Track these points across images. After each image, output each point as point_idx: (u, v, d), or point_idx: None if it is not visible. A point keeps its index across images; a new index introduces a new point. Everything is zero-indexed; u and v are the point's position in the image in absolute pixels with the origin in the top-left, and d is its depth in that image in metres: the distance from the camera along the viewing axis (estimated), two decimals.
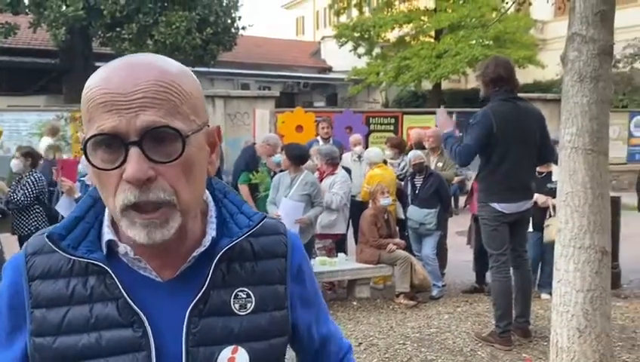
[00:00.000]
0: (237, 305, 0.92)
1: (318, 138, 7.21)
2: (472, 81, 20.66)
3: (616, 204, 5.83)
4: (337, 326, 1.17)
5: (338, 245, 6.12)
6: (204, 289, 0.89)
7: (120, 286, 0.87)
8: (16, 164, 5.51)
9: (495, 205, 4.07)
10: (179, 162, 0.81)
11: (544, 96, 14.05)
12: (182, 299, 0.89)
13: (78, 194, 4.63)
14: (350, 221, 6.44)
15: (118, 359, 0.86)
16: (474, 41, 17.10)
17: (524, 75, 17.34)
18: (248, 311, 0.93)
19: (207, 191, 0.97)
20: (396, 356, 3.99)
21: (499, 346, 4.05)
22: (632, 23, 16.53)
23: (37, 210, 5.48)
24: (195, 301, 0.89)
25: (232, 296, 0.92)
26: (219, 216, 0.96)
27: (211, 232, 0.93)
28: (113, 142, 0.79)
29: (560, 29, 22.13)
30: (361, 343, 4.24)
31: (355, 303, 5.54)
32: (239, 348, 0.91)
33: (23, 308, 0.89)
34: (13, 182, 5.56)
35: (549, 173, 5.44)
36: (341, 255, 5.88)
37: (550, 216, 5.26)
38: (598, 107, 3.02)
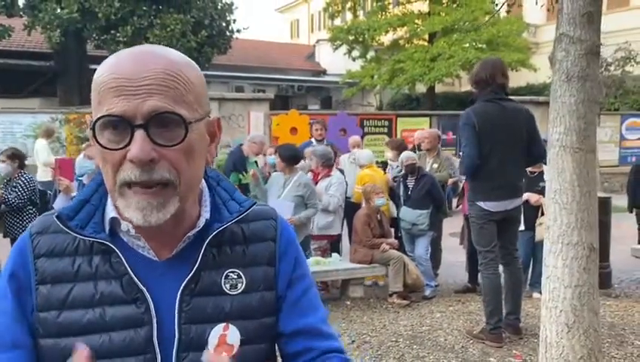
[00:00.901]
0: (228, 285, 0.97)
1: (312, 140, 7.25)
2: (465, 84, 20.77)
3: (606, 204, 5.91)
4: (335, 335, 1.08)
5: (332, 245, 6.16)
6: (194, 269, 0.94)
7: (126, 264, 0.92)
8: (3, 168, 5.36)
9: (481, 203, 4.13)
10: (181, 147, 0.86)
11: (536, 99, 14.17)
12: (176, 278, 0.94)
13: (75, 193, 4.64)
14: (345, 221, 6.49)
15: (121, 333, 0.91)
16: (467, 45, 17.24)
17: (517, 78, 17.48)
18: (239, 291, 0.97)
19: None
20: (388, 353, 4.03)
21: (490, 343, 4.10)
22: (623, 27, 16.73)
23: (30, 211, 5.43)
24: (186, 281, 0.94)
25: (223, 277, 0.97)
26: (212, 202, 1.01)
27: (205, 215, 0.98)
28: (120, 125, 0.84)
29: (552, 33, 22.19)
30: (353, 341, 4.28)
31: (348, 303, 5.58)
32: (230, 325, 0.95)
33: (29, 283, 0.94)
34: (1, 185, 5.45)
35: (541, 173, 5.50)
36: (335, 255, 5.92)
37: (543, 215, 5.31)
38: (586, 106, 3.08)
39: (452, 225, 7.00)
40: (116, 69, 0.86)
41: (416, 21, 18.75)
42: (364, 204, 5.96)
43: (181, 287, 0.93)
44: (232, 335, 0.95)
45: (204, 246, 0.95)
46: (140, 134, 0.83)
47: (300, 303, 1.04)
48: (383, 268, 5.79)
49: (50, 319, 0.92)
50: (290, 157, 5.44)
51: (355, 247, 5.89)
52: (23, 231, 4.09)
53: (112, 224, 0.95)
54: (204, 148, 0.94)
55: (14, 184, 5.32)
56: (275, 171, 5.83)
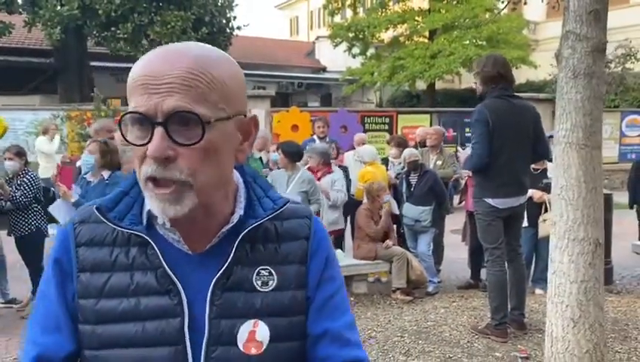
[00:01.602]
0: (259, 282, 0.98)
1: (314, 137, 7.27)
2: (465, 81, 20.78)
3: (608, 200, 5.94)
4: (359, 343, 1.06)
5: (337, 241, 6.20)
6: (227, 264, 0.96)
7: (160, 257, 0.94)
8: (12, 165, 5.34)
9: (489, 200, 4.15)
10: (199, 146, 0.87)
11: (537, 96, 14.18)
12: (209, 272, 0.96)
13: (74, 198, 4.60)
14: (348, 218, 6.52)
15: (154, 323, 0.93)
16: (467, 42, 17.23)
17: (517, 75, 17.39)
18: (270, 288, 0.98)
19: (238, 174, 1.04)
20: (394, 348, 4.06)
21: (495, 338, 4.13)
22: (623, 24, 16.73)
23: (35, 209, 5.41)
24: (218, 275, 0.95)
25: (255, 273, 0.98)
26: (248, 198, 1.02)
27: (239, 211, 0.99)
28: (144, 122, 0.87)
29: (552, 30, 22.33)
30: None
31: (352, 299, 5.60)
32: (260, 322, 0.96)
33: (71, 270, 0.98)
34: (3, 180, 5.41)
35: (545, 170, 5.54)
36: (338, 251, 5.95)
37: (546, 212, 5.35)
38: (592, 103, 3.11)
39: (454, 222, 7.03)
40: (144, 67, 0.88)
41: (417, 18, 18.75)
42: (365, 200, 6.00)
43: (213, 281, 0.95)
44: (262, 331, 0.96)
45: (237, 242, 0.96)
46: (158, 132, 0.85)
47: (326, 306, 1.03)
48: (387, 265, 5.82)
49: (89, 306, 0.95)
50: (294, 153, 5.47)
51: (358, 243, 5.92)
52: (27, 228, 4.06)
53: (149, 217, 0.97)
54: (230, 147, 0.94)
55: (19, 182, 5.30)
56: (278, 168, 5.86)
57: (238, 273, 0.97)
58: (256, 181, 1.06)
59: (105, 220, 0.96)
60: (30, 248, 5.36)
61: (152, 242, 0.95)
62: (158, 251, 0.94)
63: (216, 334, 0.94)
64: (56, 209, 4.70)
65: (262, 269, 0.99)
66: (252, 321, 0.96)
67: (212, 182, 0.92)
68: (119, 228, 0.96)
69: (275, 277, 0.99)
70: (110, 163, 4.60)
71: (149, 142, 0.86)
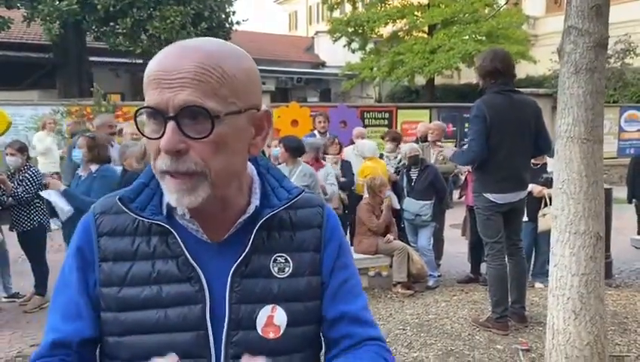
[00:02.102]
0: (276, 268, 1.02)
1: (315, 132, 7.29)
2: (465, 76, 20.81)
3: (608, 195, 5.97)
4: (374, 323, 1.11)
5: None
6: (245, 252, 0.99)
7: (182, 245, 0.98)
8: (14, 160, 5.33)
9: (488, 195, 4.17)
10: (209, 139, 0.89)
11: (536, 91, 14.18)
12: (228, 260, 0.99)
13: (63, 187, 4.68)
14: (347, 212, 6.53)
15: (176, 310, 0.97)
16: (467, 37, 17.25)
17: (517, 71, 17.48)
18: (286, 274, 1.02)
19: (252, 166, 1.07)
20: (397, 340, 4.09)
21: (496, 331, 4.16)
22: (623, 19, 16.75)
23: (37, 204, 5.40)
24: (237, 262, 0.99)
25: (272, 261, 1.02)
26: (262, 189, 1.06)
27: (255, 202, 1.03)
28: (157, 116, 0.89)
29: (551, 25, 22.34)
30: None
31: None
32: (277, 307, 1.00)
33: (93, 260, 1.01)
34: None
35: (544, 165, 5.57)
36: None
37: (545, 206, 5.38)
38: (593, 97, 3.13)
39: (453, 217, 7.07)
40: (159, 62, 0.90)
41: (416, 13, 18.74)
42: (365, 195, 6.02)
43: (232, 268, 0.98)
44: (280, 316, 1.00)
45: (254, 231, 1.00)
46: (170, 126, 0.88)
47: (341, 290, 1.07)
48: (387, 259, 5.85)
49: (112, 294, 0.98)
50: (295, 148, 5.49)
51: (359, 238, 5.95)
52: (30, 224, 4.09)
53: (168, 208, 1.00)
54: (242, 140, 0.95)
55: (21, 178, 5.28)
56: (278, 163, 5.89)
57: (256, 260, 1.01)
58: (270, 172, 1.09)
59: (127, 210, 0.99)
60: (32, 243, 5.38)
61: (173, 231, 0.98)
62: (179, 239, 0.97)
63: (237, 319, 0.98)
64: (47, 194, 4.78)
65: (278, 256, 1.02)
66: (270, 306, 1.00)
67: (224, 174, 0.94)
68: (141, 218, 0.99)
69: (291, 263, 1.03)
70: (98, 157, 4.69)
71: (162, 135, 0.88)
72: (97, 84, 10.89)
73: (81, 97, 12.78)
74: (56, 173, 8.23)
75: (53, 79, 16.78)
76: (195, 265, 0.97)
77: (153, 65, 0.91)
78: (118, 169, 5.52)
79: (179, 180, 0.90)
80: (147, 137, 0.91)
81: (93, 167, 4.69)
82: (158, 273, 0.98)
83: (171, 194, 0.92)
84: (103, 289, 0.99)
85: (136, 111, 0.92)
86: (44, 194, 4.84)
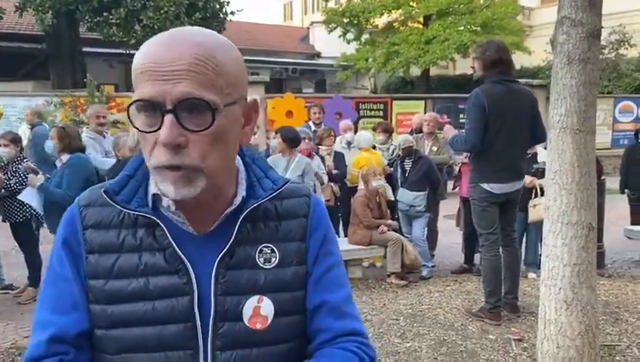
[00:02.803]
0: (262, 259, 1.01)
1: (310, 123, 7.27)
2: (460, 67, 20.78)
3: (601, 186, 6.00)
4: (356, 316, 1.08)
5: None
6: (229, 244, 0.98)
7: (170, 237, 0.97)
8: (7, 152, 5.28)
9: (485, 185, 4.18)
10: (209, 132, 0.88)
11: (531, 82, 14.19)
12: (214, 252, 0.98)
13: (39, 182, 4.71)
14: (338, 204, 6.53)
15: (164, 302, 0.96)
16: (462, 27, 17.20)
17: None
18: (273, 264, 1.01)
19: (238, 157, 1.06)
20: (390, 330, 4.11)
21: (489, 321, 4.19)
22: (617, 10, 16.73)
23: None
24: (221, 254, 0.98)
25: (257, 251, 1.01)
26: (248, 180, 1.05)
27: (241, 193, 1.02)
28: (152, 109, 0.88)
29: (546, 16, 22.30)
30: None
31: None
32: (264, 298, 1.00)
33: (80, 252, 1.00)
34: None
35: (534, 155, 5.58)
36: None
37: (536, 197, 5.40)
38: (586, 88, 3.13)
39: (447, 208, 7.08)
40: (149, 54, 0.88)
41: (411, 3, 18.66)
42: (361, 186, 6.03)
43: (217, 260, 0.98)
44: (266, 307, 0.99)
45: (239, 222, 0.99)
46: (169, 119, 0.86)
47: (323, 279, 1.05)
48: (382, 249, 5.87)
49: (98, 287, 0.97)
50: (292, 139, 5.50)
51: (353, 229, 5.95)
52: (22, 215, 4.10)
53: (154, 200, 1.00)
54: (236, 131, 0.96)
55: (14, 169, 5.24)
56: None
57: (241, 252, 1.00)
58: (255, 162, 1.08)
59: (112, 203, 0.98)
60: (25, 235, 5.37)
61: (160, 223, 0.97)
62: (166, 231, 0.97)
63: (222, 311, 0.97)
64: (23, 196, 4.84)
65: (264, 247, 1.02)
66: (256, 297, 0.99)
67: (221, 166, 0.94)
68: (127, 211, 0.98)
69: (277, 254, 1.02)
70: (69, 146, 4.77)
71: (158, 129, 0.87)
72: (91, 74, 10.80)
73: (75, 88, 12.69)
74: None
75: (46, 70, 16.67)
76: (182, 257, 0.96)
77: (143, 57, 0.89)
78: (111, 160, 5.52)
79: (179, 173, 0.89)
80: (141, 131, 0.89)
81: (65, 157, 4.77)
82: (145, 265, 0.97)
83: (169, 186, 0.90)
84: (90, 282, 0.98)
85: (130, 104, 0.90)
86: (21, 197, 4.93)
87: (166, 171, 0.90)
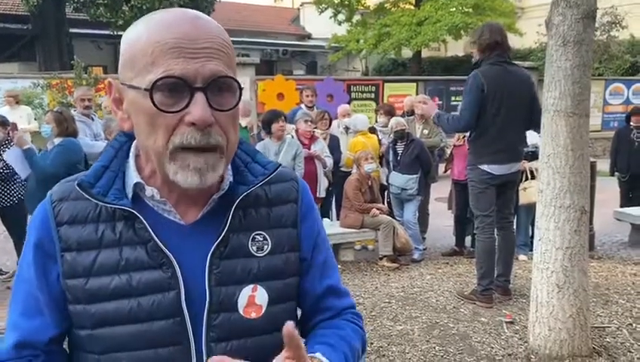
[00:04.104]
0: (254, 247, 0.99)
1: (302, 105, 7.20)
2: (451, 49, 20.67)
3: (592, 168, 6.01)
4: (348, 292, 1.17)
5: (323, 210, 6.23)
6: (223, 233, 0.95)
7: (150, 230, 0.92)
8: None
9: (484, 167, 4.15)
10: (232, 112, 0.89)
11: (522, 64, 14.15)
12: (204, 241, 0.95)
13: (28, 145, 4.67)
14: (332, 188, 6.51)
15: (149, 298, 0.92)
16: (454, 9, 17.04)
17: None
18: (265, 252, 0.99)
19: None
20: (382, 313, 4.12)
21: (480, 303, 4.21)
22: None
23: (17, 180, 5.31)
24: (216, 243, 0.95)
25: (250, 239, 0.99)
26: (233, 165, 1.01)
27: (229, 178, 0.99)
28: (178, 87, 0.84)
29: None
30: None
31: (339, 266, 5.65)
32: (258, 286, 0.97)
33: (54, 251, 0.94)
34: None
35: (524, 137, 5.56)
36: (326, 220, 5.98)
37: (527, 180, 5.41)
38: (581, 71, 3.11)
39: (438, 191, 7.08)
40: (172, 30, 0.85)
41: None
42: (354, 170, 6.00)
43: (211, 250, 0.94)
44: (261, 295, 0.97)
45: (232, 210, 0.96)
46: (200, 97, 0.84)
47: (325, 266, 1.09)
48: (373, 233, 5.87)
49: (78, 286, 0.92)
50: (264, 121, 5.57)
51: (345, 212, 5.94)
52: (10, 199, 4.04)
53: (135, 190, 0.95)
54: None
55: (1, 152, 5.19)
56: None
57: (235, 240, 0.97)
58: (241, 147, 1.04)
59: (88, 196, 0.93)
60: (13, 219, 5.30)
61: (139, 216, 0.92)
62: (146, 224, 0.92)
63: (217, 301, 0.94)
64: (9, 155, 4.81)
65: (257, 235, 1.00)
66: (251, 286, 0.97)
67: (233, 148, 0.94)
68: (102, 204, 0.93)
69: (270, 241, 1.00)
70: (66, 131, 4.79)
71: (183, 108, 0.84)
72: (78, 56, 10.63)
73: (63, 70, 12.49)
74: None
75: (32, 51, 16.37)
76: (165, 250, 0.92)
77: (166, 32, 0.85)
78: (101, 143, 5.44)
79: (206, 156, 0.87)
80: (162, 110, 0.84)
81: (57, 140, 4.75)
82: (126, 261, 0.92)
83: (193, 172, 0.87)
84: (67, 282, 0.93)
85: (155, 81, 0.83)
86: (5, 156, 4.92)
87: (191, 156, 0.86)
